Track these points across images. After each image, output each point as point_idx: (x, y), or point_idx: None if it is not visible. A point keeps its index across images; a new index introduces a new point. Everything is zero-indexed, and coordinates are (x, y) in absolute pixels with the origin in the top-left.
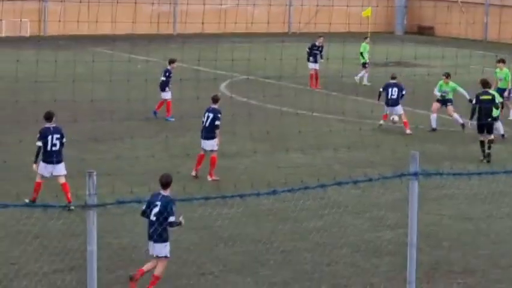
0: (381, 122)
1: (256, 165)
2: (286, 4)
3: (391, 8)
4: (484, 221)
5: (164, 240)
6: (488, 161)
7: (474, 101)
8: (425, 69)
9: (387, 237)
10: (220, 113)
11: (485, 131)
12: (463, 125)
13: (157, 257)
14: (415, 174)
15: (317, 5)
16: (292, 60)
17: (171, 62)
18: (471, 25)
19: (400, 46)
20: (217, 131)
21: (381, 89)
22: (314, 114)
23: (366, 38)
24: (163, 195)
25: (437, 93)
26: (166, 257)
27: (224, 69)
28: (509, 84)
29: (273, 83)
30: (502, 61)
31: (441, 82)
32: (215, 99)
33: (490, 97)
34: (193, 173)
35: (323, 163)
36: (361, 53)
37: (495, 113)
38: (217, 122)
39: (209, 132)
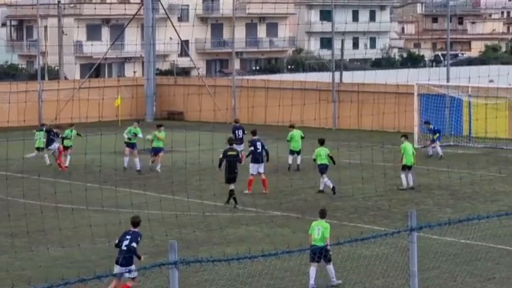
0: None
1: (15, 262)
2: (36, 100)
3: (141, 95)
4: None
5: (129, 265)
6: (235, 206)
7: (222, 156)
8: (182, 154)
9: None
10: None
11: (231, 182)
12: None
13: (124, 278)
14: (175, 263)
15: (72, 98)
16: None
17: None
18: (221, 108)
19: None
20: None
21: None
22: (73, 206)
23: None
24: (133, 231)
25: (125, 136)
26: (132, 278)
27: None
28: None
29: (30, 177)
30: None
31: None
32: None
33: (235, 153)
34: None
35: (81, 255)
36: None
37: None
38: None
39: None
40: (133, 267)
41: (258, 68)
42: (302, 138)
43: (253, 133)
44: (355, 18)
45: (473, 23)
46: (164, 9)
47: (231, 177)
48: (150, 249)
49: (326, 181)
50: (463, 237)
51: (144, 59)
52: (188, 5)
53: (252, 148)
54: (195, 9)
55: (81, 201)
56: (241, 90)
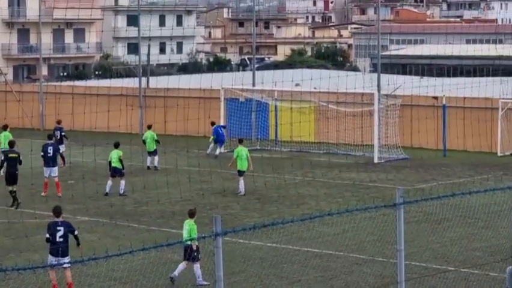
0: None
1: None
2: None
3: None
4: None
5: (68, 254)
6: (18, 206)
7: (3, 157)
8: None
9: None
10: None
11: (11, 184)
12: None
13: (63, 268)
14: None
15: None
16: None
17: None
18: (28, 114)
19: None
20: None
21: None
22: None
23: None
24: (61, 221)
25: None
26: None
27: None
28: None
29: None
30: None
31: None
32: None
33: (15, 155)
34: None
35: None
36: None
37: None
38: None
39: None
40: (69, 257)
41: (65, 74)
42: (157, 141)
43: (49, 137)
44: (162, 23)
45: (279, 27)
46: None
47: (10, 179)
48: None
49: (121, 183)
50: (269, 241)
51: None
52: None
53: (42, 153)
54: None
55: None
56: (48, 97)
